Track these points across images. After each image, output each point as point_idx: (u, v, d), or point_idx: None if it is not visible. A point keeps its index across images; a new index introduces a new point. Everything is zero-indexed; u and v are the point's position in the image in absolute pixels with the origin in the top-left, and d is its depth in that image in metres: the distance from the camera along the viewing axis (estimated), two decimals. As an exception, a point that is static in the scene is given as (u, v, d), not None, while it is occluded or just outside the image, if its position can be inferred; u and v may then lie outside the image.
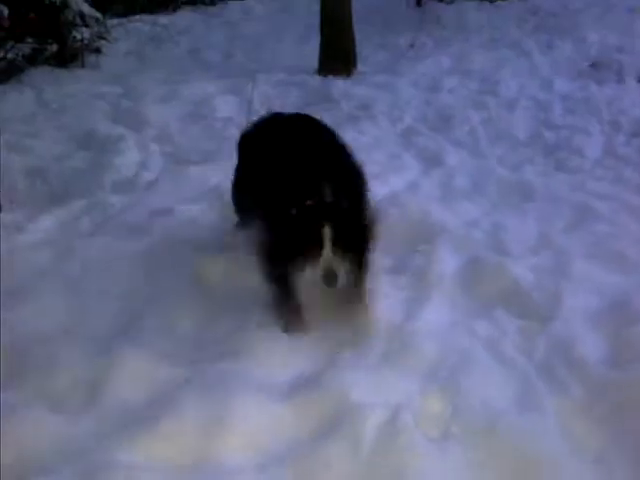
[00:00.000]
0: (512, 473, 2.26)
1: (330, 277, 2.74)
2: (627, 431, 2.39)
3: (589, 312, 3.04)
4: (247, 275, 3.12)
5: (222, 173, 4.52)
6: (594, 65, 7.60)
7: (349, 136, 5.51)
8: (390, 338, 2.88)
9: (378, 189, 4.38)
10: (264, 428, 2.40)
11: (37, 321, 2.96)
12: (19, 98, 6.88)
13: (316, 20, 8.10)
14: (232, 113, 6.23)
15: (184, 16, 11.55)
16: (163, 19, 11.17)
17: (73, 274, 3.35)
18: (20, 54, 8.00)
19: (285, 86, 7.19)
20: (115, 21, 10.09)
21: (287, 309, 2.99)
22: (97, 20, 8.61)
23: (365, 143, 5.41)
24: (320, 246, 2.74)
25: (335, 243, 2.74)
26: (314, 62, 7.96)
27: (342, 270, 2.78)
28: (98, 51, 8.90)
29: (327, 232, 2.74)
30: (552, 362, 2.76)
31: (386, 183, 4.51)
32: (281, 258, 2.89)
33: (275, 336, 2.89)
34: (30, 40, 8.14)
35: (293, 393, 2.57)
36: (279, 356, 2.77)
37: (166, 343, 2.88)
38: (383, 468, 2.24)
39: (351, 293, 2.98)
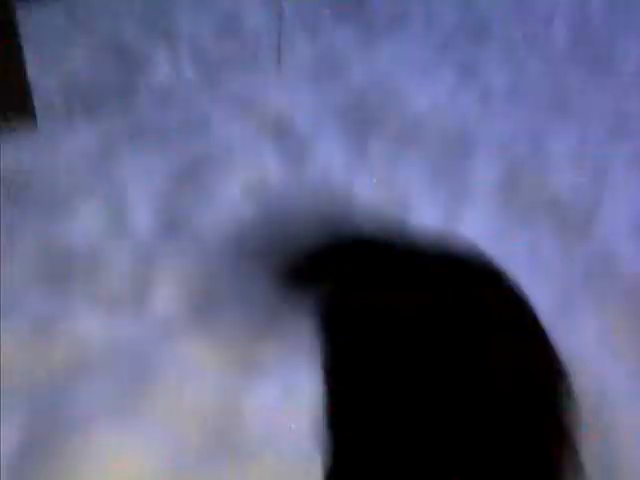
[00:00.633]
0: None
1: None
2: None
3: (630, 222, 3.05)
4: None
5: (253, 85, 4.56)
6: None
7: (384, 47, 5.50)
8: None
9: (416, 100, 4.41)
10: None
11: (83, 230, 3.03)
12: (48, 11, 6.82)
13: None
14: (263, 25, 6.11)
15: None
16: None
17: (117, 180, 3.40)
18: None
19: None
20: None
21: None
22: None
23: (401, 54, 5.34)
24: None
25: None
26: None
27: None
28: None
29: None
30: (592, 271, 2.79)
31: (424, 94, 4.49)
32: None
33: None
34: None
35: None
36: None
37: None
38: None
39: None
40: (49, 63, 5.19)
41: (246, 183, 3.49)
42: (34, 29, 5.91)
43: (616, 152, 3.58)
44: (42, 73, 4.84)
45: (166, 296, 2.68)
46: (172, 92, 4.66)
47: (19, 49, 3.86)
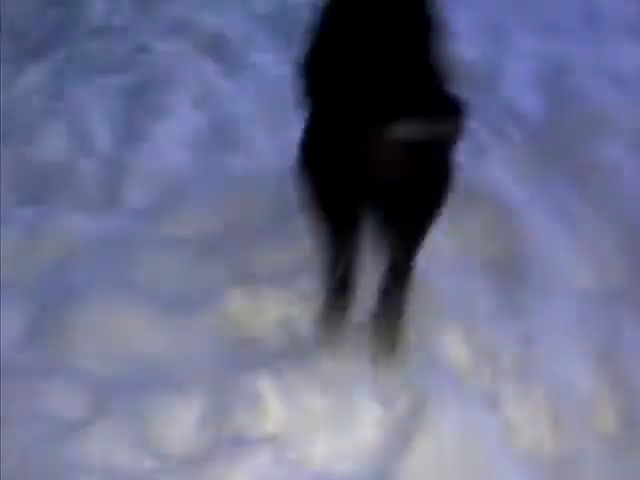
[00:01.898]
0: (468, 207, 2.78)
1: None
2: (560, 159, 2.94)
3: (530, 75, 3.53)
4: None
5: (188, 8, 4.90)
6: None
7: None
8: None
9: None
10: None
11: (54, 149, 3.44)
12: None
13: None
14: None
15: None
16: None
17: (73, 105, 3.79)
18: None
19: None
20: None
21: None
22: None
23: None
24: None
25: None
26: None
27: None
28: None
29: None
30: (500, 120, 3.28)
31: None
32: None
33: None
34: None
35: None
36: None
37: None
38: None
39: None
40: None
41: (193, 95, 3.89)
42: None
43: (516, 20, 4.04)
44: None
45: (137, 193, 3.12)
46: (110, 23, 4.99)
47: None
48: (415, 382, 2.14)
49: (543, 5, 4.21)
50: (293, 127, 3.37)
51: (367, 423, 2.08)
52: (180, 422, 2.11)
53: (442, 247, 2.62)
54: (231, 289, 2.53)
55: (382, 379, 2.16)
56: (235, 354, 2.33)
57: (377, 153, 1.83)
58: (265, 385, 2.14)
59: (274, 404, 2.12)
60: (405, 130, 1.77)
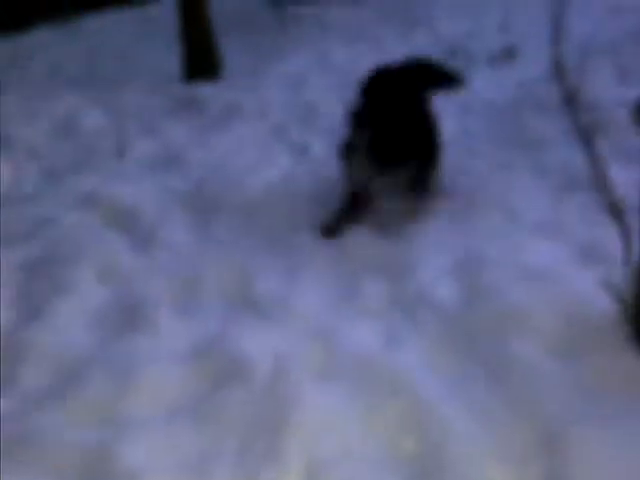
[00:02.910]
0: (384, 395, 2.80)
1: None
2: (478, 355, 2.99)
3: (444, 266, 3.65)
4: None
5: (96, 182, 4.96)
6: (447, 53, 8.38)
7: (220, 138, 6.08)
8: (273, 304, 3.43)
9: (252, 180, 4.96)
10: (168, 386, 2.86)
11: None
12: None
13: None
14: (100, 125, 6.60)
15: (40, 34, 11.72)
16: (22, 39, 11.33)
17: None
18: None
19: (152, 94, 7.56)
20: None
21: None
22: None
23: (236, 142, 5.93)
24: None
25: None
26: (179, 69, 8.37)
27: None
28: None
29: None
30: (413, 309, 3.35)
31: (261, 176, 5.05)
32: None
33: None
34: None
35: (193, 355, 3.05)
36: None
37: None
38: (273, 405, 2.73)
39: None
40: None
41: (100, 270, 3.85)
42: None
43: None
44: None
45: (31, 374, 2.99)
46: (14, 195, 4.98)
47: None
48: None
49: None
50: (201, 312, 3.46)
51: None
52: None
53: (356, 437, 2.61)
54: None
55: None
56: None
57: None
58: None
59: None
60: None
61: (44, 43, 11.12)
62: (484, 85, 7.13)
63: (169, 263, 3.92)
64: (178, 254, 4.03)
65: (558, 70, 2.87)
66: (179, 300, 3.54)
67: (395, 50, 8.70)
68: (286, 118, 6.58)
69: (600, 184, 2.94)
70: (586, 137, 2.92)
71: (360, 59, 8.33)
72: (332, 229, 4.10)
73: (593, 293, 3.18)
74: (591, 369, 2.82)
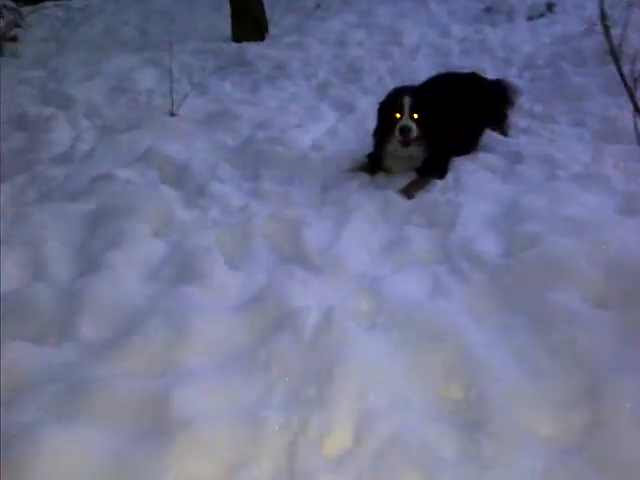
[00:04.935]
0: (429, 345, 2.71)
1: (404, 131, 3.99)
2: (519, 304, 2.87)
3: (487, 217, 3.52)
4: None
5: (150, 139, 4.88)
6: (487, 9, 8.09)
7: (268, 94, 5.97)
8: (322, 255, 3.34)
9: (301, 137, 4.84)
10: (220, 336, 2.80)
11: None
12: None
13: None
14: (153, 84, 6.52)
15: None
16: (76, 3, 11.24)
17: (29, 237, 3.64)
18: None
19: (202, 54, 7.48)
20: (29, 8, 10.12)
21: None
22: (11, 9, 8.68)
23: (284, 99, 5.81)
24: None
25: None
26: (228, 30, 8.24)
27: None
28: (14, 40, 8.97)
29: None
30: (457, 259, 3.23)
31: (307, 131, 4.93)
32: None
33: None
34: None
35: (244, 306, 2.98)
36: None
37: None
38: (322, 355, 2.66)
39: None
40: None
41: (154, 224, 3.79)
42: None
43: (467, 160, 4.11)
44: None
45: (91, 325, 2.95)
46: (74, 150, 4.94)
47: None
48: None
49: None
50: (252, 264, 3.39)
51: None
52: None
53: (402, 387, 2.52)
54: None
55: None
56: None
57: None
58: None
59: None
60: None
61: (97, 7, 11.03)
62: (524, 39, 6.87)
63: (220, 216, 3.84)
64: (228, 208, 3.95)
65: (603, 19, 2.67)
66: (230, 253, 3.46)
67: (437, 9, 8.47)
68: (331, 76, 6.43)
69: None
70: (627, 89, 2.71)
71: (403, 18, 8.12)
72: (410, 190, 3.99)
73: (636, 242, 3.04)
74: (635, 319, 2.68)
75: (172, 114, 5.41)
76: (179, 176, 4.42)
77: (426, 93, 4.25)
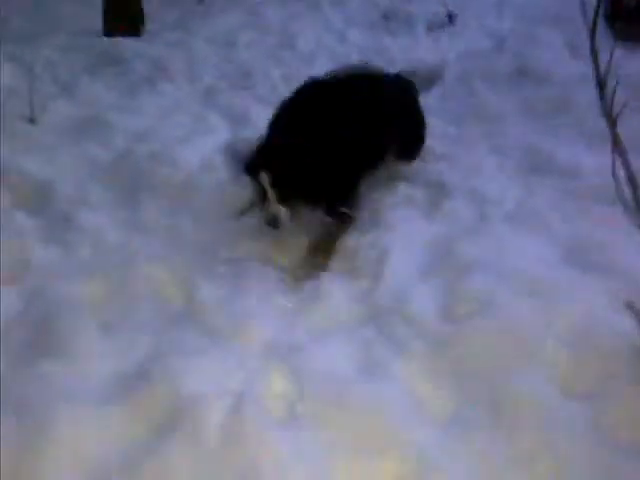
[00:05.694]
0: (366, 444, 2.13)
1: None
2: (474, 388, 2.33)
3: (419, 265, 2.97)
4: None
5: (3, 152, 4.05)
6: (385, 16, 7.65)
7: (147, 100, 5.20)
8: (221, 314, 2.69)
9: (188, 153, 4.14)
10: (92, 438, 2.10)
11: None
12: None
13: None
14: (11, 84, 5.58)
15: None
16: None
17: None
18: None
19: (70, 50, 6.55)
20: None
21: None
22: None
23: (166, 106, 5.07)
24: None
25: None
26: (99, 22, 7.36)
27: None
28: None
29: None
30: (389, 321, 2.66)
31: (195, 146, 4.24)
32: None
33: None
34: None
35: (119, 391, 2.28)
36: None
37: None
38: (232, 462, 2.03)
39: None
40: None
41: (6, 266, 3.01)
42: None
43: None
44: None
45: None
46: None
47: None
48: None
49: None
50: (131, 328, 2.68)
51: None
52: None
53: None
54: None
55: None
56: None
57: None
58: None
59: None
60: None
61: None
62: (428, 51, 6.44)
63: (91, 257, 3.11)
64: (101, 245, 3.22)
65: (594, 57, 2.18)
66: (103, 310, 2.74)
67: (332, 13, 7.92)
68: (218, 80, 5.74)
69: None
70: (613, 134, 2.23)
71: (296, 21, 7.52)
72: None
73: (599, 307, 2.58)
74: (612, 413, 2.20)
75: (31, 120, 4.56)
76: (38, 200, 3.63)
77: (290, 150, 3.07)
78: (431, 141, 4.28)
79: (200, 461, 2.01)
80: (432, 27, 7.24)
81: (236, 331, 2.59)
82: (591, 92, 2.45)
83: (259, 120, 4.71)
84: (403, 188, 3.68)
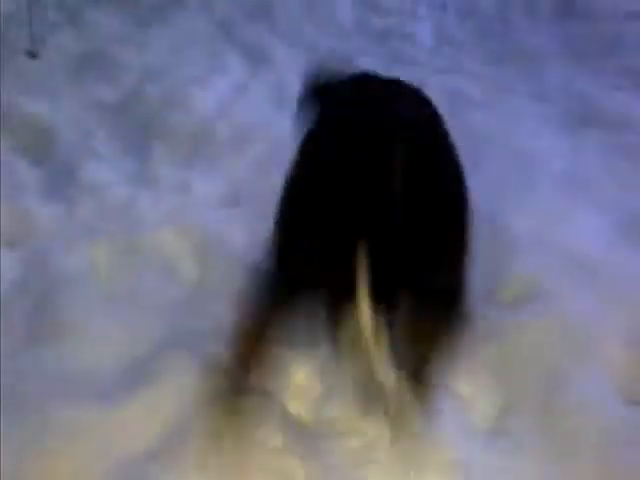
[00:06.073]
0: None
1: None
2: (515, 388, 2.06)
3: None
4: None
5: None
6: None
7: (157, 32, 4.82)
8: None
9: (203, 95, 3.83)
10: (97, 440, 1.86)
11: None
12: None
13: None
14: (7, 12, 5.14)
15: None
16: None
17: None
18: None
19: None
20: None
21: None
22: None
23: (178, 39, 4.70)
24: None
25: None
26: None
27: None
28: None
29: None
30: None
31: (210, 88, 3.92)
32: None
33: None
34: None
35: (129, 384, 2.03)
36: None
37: None
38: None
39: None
40: None
41: (6, 227, 2.74)
42: None
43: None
44: None
45: None
46: None
47: None
48: None
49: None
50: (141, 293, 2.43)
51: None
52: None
53: None
54: None
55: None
56: None
57: None
58: None
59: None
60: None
61: None
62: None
63: (94, 217, 2.83)
64: (105, 202, 2.94)
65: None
66: (110, 281, 2.48)
67: None
68: (235, 11, 5.32)
69: None
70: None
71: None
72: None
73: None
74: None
75: (32, 54, 4.21)
76: (40, 146, 3.34)
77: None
78: (464, 83, 3.94)
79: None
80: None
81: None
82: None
83: (280, 59, 4.38)
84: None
